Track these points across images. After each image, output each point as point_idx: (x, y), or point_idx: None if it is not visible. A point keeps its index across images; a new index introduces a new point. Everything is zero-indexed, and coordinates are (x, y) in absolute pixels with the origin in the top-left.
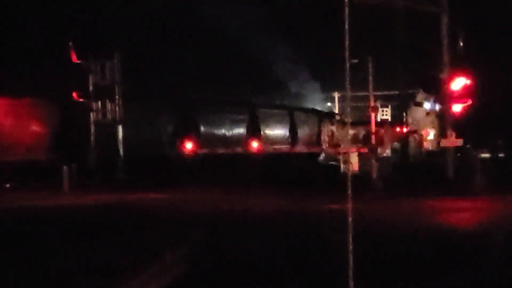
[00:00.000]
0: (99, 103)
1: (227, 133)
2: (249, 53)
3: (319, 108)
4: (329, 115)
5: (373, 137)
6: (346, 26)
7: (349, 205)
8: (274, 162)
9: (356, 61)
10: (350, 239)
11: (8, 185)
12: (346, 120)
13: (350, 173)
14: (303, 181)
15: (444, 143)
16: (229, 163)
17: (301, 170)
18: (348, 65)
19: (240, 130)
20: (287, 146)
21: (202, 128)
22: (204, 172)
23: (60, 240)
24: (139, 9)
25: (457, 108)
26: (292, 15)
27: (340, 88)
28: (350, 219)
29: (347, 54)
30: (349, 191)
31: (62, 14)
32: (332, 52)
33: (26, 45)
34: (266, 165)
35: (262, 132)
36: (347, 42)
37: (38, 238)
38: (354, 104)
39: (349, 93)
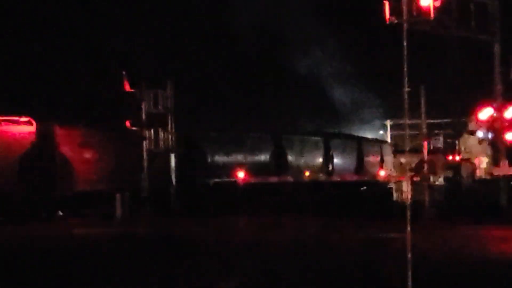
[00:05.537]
0: (152, 131)
1: (275, 162)
2: (297, 76)
3: (370, 136)
4: (395, 145)
5: (425, 165)
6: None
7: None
8: (329, 190)
9: (408, 89)
10: (409, 269)
11: (60, 213)
12: (400, 148)
13: (403, 201)
14: (356, 209)
15: (497, 171)
16: (281, 191)
17: (354, 198)
18: (401, 94)
19: (291, 159)
20: (339, 174)
21: (251, 157)
22: (256, 200)
23: (109, 269)
24: (193, 37)
25: (510, 136)
26: (344, 39)
27: (393, 116)
28: (408, 248)
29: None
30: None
31: (115, 43)
32: (386, 81)
33: (80, 74)
34: (320, 194)
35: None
36: (405, 70)
37: (85, 267)
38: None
39: (405, 121)
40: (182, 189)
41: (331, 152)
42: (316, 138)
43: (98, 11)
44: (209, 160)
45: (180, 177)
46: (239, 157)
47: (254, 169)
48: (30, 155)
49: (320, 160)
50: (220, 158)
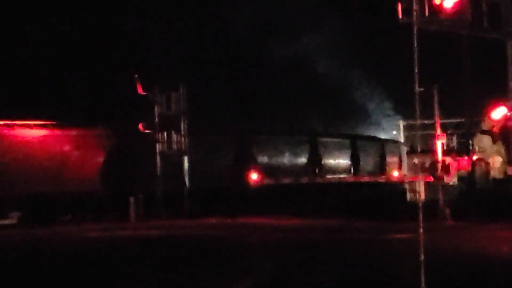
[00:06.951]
0: (165, 134)
1: (290, 163)
2: (315, 79)
3: (383, 137)
4: (410, 146)
5: (439, 165)
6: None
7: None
8: (342, 191)
9: (421, 89)
10: (421, 269)
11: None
12: (414, 149)
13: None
14: (370, 210)
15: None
16: (295, 193)
17: (368, 199)
18: (416, 93)
19: (304, 160)
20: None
21: (267, 159)
22: (269, 202)
23: (123, 272)
24: (205, 40)
25: None
26: (356, 40)
27: (406, 116)
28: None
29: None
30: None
31: (127, 46)
32: (398, 81)
33: (93, 77)
34: (333, 195)
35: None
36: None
37: (101, 269)
38: (420, 132)
39: (417, 121)
40: (235, 190)
41: (357, 154)
42: (345, 140)
43: (110, 14)
44: (258, 161)
45: (234, 178)
46: (283, 159)
47: (294, 170)
48: (111, 159)
49: (348, 161)
50: (267, 160)
